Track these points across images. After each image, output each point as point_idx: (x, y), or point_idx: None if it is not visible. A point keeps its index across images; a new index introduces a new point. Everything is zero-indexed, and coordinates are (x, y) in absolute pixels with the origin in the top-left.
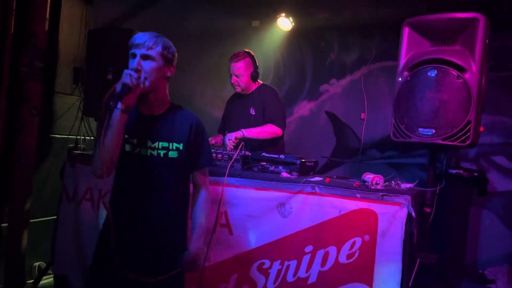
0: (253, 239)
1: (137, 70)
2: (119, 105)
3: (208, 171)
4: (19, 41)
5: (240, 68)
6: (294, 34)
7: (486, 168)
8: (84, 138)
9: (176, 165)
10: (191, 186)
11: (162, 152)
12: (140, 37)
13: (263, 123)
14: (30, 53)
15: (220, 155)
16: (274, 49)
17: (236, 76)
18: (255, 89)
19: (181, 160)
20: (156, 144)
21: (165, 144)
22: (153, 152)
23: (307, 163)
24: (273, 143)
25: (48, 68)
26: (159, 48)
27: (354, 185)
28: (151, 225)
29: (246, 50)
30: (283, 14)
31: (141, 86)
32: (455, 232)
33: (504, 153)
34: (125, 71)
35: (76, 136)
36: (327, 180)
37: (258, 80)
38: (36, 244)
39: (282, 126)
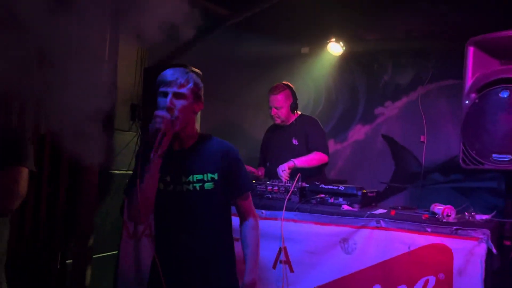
0: (315, 277)
1: (169, 109)
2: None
3: (250, 196)
4: None
5: (279, 100)
6: (345, 58)
7: None
8: None
9: (214, 196)
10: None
11: (198, 186)
12: (171, 75)
13: (306, 152)
14: None
15: (276, 188)
16: (325, 74)
17: (276, 108)
18: (295, 120)
19: (218, 191)
20: (190, 178)
21: (200, 177)
22: (188, 187)
23: (369, 194)
24: (317, 172)
25: (108, 107)
26: (190, 85)
27: (423, 217)
28: (197, 261)
29: (285, 82)
30: (333, 39)
31: (175, 127)
32: None
33: None
34: (156, 112)
35: None
36: (393, 212)
37: (296, 111)
38: (99, 279)
39: (328, 153)
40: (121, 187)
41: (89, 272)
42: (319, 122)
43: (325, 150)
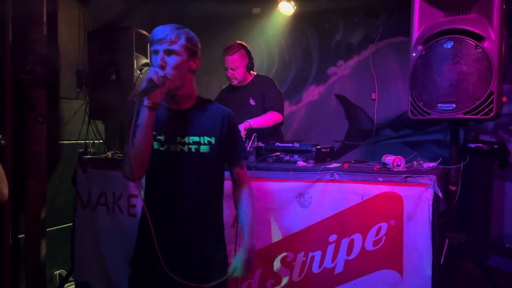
0: (275, 232)
1: (161, 67)
2: (146, 102)
3: (245, 165)
4: (19, 48)
5: (235, 61)
6: (297, 18)
7: (506, 139)
8: (93, 142)
9: (209, 160)
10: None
11: (193, 148)
12: (161, 32)
13: (263, 112)
14: (31, 59)
15: None
16: (278, 35)
17: (232, 69)
18: (251, 80)
19: (213, 155)
20: (186, 139)
21: (196, 139)
22: (183, 148)
23: (323, 150)
24: (274, 131)
25: (51, 74)
26: (182, 41)
27: (375, 168)
28: (185, 223)
29: (239, 42)
30: None
31: (168, 82)
32: (480, 208)
33: None
34: (151, 68)
35: (85, 140)
36: (346, 165)
37: (252, 72)
38: (55, 253)
39: (283, 112)
40: (72, 157)
41: (43, 246)
42: (275, 82)
43: (280, 109)
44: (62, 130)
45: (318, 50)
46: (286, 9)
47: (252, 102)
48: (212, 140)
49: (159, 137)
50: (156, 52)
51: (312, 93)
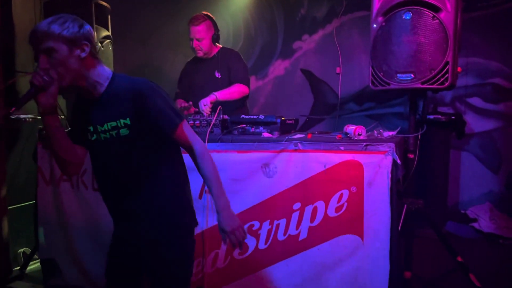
0: (241, 202)
1: (45, 70)
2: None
3: (183, 127)
4: None
5: (201, 31)
6: None
7: (463, 111)
8: None
9: (133, 141)
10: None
11: (114, 133)
12: (32, 34)
13: (229, 85)
14: None
15: (198, 122)
16: (243, 8)
17: (198, 40)
18: (217, 52)
19: (135, 135)
20: (106, 127)
21: (114, 124)
22: (105, 136)
23: (288, 121)
24: (240, 105)
25: (5, 46)
26: (55, 35)
27: (337, 138)
28: (133, 211)
29: (205, 12)
30: None
31: (56, 82)
32: (437, 176)
33: (479, 94)
34: (34, 72)
35: None
36: (309, 136)
37: (218, 44)
38: (18, 231)
39: (249, 85)
40: (32, 133)
41: (5, 224)
42: (241, 55)
43: (246, 82)
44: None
45: (284, 24)
46: None
47: (217, 74)
48: (127, 121)
49: (88, 128)
50: (36, 56)
51: (278, 67)
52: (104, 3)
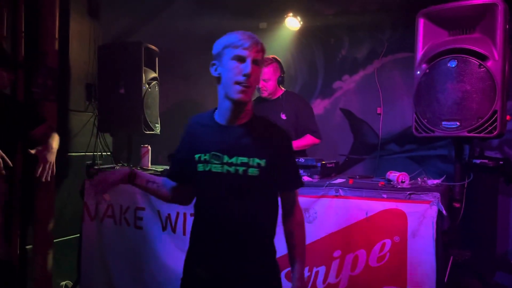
0: (279, 247)
1: (247, 75)
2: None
3: (297, 194)
4: (31, 62)
5: (268, 72)
6: (303, 33)
7: (511, 155)
8: (101, 154)
9: (256, 184)
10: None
11: (241, 169)
12: (246, 38)
13: (293, 128)
14: (42, 73)
15: None
16: (284, 49)
17: (264, 80)
18: (281, 94)
19: (262, 180)
20: (234, 160)
21: (245, 160)
22: (229, 169)
23: (328, 165)
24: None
25: (61, 86)
26: (263, 53)
27: (379, 185)
28: (231, 255)
29: (273, 56)
30: (291, 14)
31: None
32: (485, 224)
33: None
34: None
35: (93, 152)
36: (351, 181)
37: (281, 87)
38: (61, 264)
39: (321, 136)
40: (80, 169)
41: (50, 256)
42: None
43: (319, 133)
44: (71, 142)
45: (324, 65)
46: (292, 24)
47: (283, 116)
48: (262, 162)
49: (204, 157)
50: (241, 59)
51: (318, 107)
52: (153, 47)
